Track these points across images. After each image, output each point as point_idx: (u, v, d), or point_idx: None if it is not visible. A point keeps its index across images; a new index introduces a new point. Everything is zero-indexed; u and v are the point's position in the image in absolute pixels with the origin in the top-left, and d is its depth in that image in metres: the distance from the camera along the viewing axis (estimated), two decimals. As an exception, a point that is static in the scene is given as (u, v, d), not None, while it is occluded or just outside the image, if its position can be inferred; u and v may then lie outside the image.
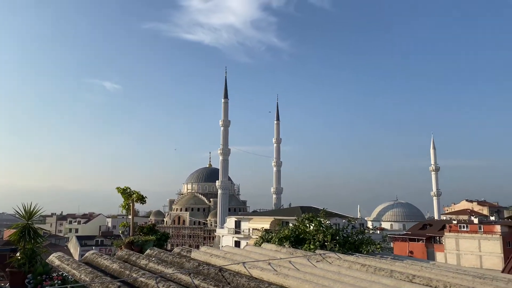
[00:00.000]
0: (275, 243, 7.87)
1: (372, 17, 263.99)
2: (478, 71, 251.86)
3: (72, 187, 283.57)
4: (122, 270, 5.96)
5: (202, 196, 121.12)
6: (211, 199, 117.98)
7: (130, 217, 16.33)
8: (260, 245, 8.07)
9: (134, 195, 15.92)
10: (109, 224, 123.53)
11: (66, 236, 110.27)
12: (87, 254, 7.18)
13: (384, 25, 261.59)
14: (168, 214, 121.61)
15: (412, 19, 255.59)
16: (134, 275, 5.65)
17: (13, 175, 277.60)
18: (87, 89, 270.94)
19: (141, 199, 16.33)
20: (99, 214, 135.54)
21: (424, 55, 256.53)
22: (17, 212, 7.13)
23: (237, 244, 66.25)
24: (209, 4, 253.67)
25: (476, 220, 74.65)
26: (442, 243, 72.02)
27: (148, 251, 7.67)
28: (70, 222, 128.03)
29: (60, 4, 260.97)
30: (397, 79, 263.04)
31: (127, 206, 16.36)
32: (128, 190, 16.01)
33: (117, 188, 16.05)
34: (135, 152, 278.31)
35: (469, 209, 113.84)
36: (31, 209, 7.10)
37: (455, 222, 76.44)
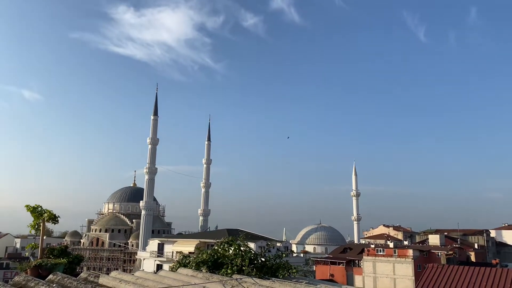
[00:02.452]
0: (192, 268, 7.60)
1: (303, 47, 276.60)
2: (400, 105, 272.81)
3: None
4: (16, 298, 5.36)
5: (124, 217, 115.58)
6: (133, 220, 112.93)
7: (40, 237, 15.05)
8: (176, 270, 7.76)
9: (46, 214, 14.73)
10: (18, 245, 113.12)
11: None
12: (-24, 280, 6.40)
13: (313, 55, 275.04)
14: (85, 235, 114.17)
15: (343, 50, 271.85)
16: (29, 304, 5.10)
17: None
18: (3, 97, 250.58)
19: (53, 218, 15.13)
20: (6, 233, 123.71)
21: (352, 87, 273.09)
22: None
23: (159, 267, 63.76)
24: (142, 20, 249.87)
25: (391, 245, 78.96)
26: (360, 267, 75.15)
27: (50, 276, 7.03)
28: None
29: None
30: (321, 108, 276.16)
31: (36, 226, 15.07)
32: (39, 208, 14.77)
33: (26, 206, 14.76)
34: (54, 167, 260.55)
35: (385, 234, 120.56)
36: None
37: (373, 246, 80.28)
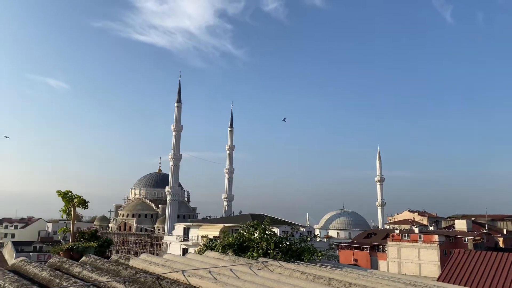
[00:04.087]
0: (218, 251, 7.76)
1: (326, 29, 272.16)
2: (427, 90, 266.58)
3: (10, 189, 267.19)
4: (52, 278, 5.61)
5: (150, 202, 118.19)
6: (159, 206, 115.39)
7: (71, 222, 15.60)
8: (203, 253, 7.94)
9: (76, 200, 15.21)
10: (50, 230, 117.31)
11: (1, 241, 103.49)
12: (14, 260, 6.71)
13: (338, 35, 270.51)
14: (113, 220, 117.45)
15: (369, 33, 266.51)
16: (65, 284, 5.34)
17: None
18: (28, 86, 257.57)
19: (83, 203, 15.63)
20: (39, 218, 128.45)
21: (377, 69, 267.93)
22: None
23: (185, 251, 65.16)
24: (164, 7, 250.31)
25: (416, 230, 78.17)
26: (385, 252, 74.81)
27: (83, 258, 7.30)
28: (6, 227, 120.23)
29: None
30: (347, 91, 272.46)
31: (67, 211, 15.61)
32: (70, 194, 15.28)
33: (58, 191, 15.28)
34: (81, 154, 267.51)
35: (410, 219, 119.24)
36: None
37: (397, 231, 79.70)
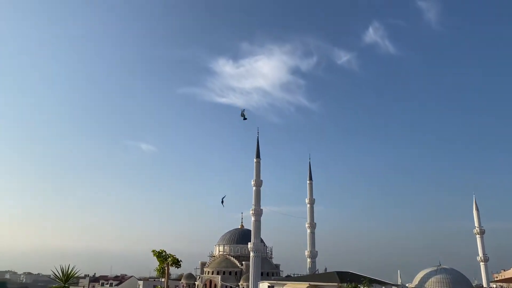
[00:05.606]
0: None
1: (400, 81, 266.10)
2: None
3: (106, 247, 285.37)
4: None
5: (234, 259, 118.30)
6: (243, 262, 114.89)
7: (163, 280, 16.03)
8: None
9: (170, 259, 15.72)
10: (141, 287, 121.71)
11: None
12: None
13: (414, 88, 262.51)
14: (199, 278, 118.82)
15: (439, 88, 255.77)
16: None
17: (47, 235, 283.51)
18: (123, 150, 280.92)
19: (176, 262, 16.10)
20: (131, 276, 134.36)
21: (461, 116, 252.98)
22: (56, 275, 7.11)
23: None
24: (241, 70, 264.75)
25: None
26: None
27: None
28: (102, 284, 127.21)
29: (109, 77, 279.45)
30: (433, 141, 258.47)
31: (161, 270, 16.12)
32: (164, 253, 15.85)
33: (153, 251, 15.96)
34: (167, 211, 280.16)
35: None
36: (68, 272, 7.08)
37: (507, 291, 70.40)
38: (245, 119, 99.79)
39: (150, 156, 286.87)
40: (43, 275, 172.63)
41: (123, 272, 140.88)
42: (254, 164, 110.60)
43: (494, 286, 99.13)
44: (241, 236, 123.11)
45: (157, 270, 15.48)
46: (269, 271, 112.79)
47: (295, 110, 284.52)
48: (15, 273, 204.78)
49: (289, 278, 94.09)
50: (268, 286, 74.80)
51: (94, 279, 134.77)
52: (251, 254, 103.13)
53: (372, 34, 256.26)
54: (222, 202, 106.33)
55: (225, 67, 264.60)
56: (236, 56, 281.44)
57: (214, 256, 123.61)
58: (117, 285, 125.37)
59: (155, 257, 15.49)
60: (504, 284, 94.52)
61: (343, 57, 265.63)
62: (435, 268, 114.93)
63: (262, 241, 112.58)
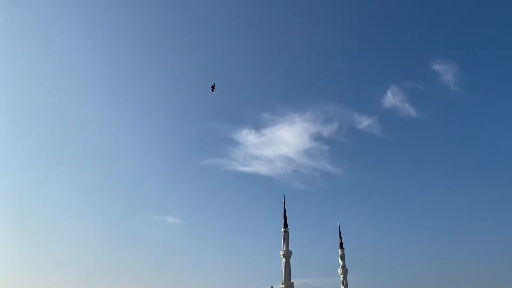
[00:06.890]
0: None
1: (424, 140, 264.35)
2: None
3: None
4: None
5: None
6: None
7: None
8: None
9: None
10: None
11: None
12: None
13: (436, 145, 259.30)
14: None
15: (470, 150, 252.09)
16: None
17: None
18: (151, 225, 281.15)
19: None
20: None
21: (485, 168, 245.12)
22: None
23: None
24: (263, 139, 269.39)
25: None
26: None
27: None
28: None
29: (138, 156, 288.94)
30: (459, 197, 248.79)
31: None
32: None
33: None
34: (192, 285, 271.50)
35: None
36: None
37: None
38: (214, 89, 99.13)
39: (177, 229, 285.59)
40: None
41: None
42: (282, 234, 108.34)
43: None
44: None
45: None
46: None
47: (320, 175, 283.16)
48: None
49: None
50: None
51: None
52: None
53: (391, 98, 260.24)
54: (213, 89, 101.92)
55: (248, 136, 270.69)
56: (258, 126, 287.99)
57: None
58: None
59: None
60: None
61: (363, 122, 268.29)
62: None
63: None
